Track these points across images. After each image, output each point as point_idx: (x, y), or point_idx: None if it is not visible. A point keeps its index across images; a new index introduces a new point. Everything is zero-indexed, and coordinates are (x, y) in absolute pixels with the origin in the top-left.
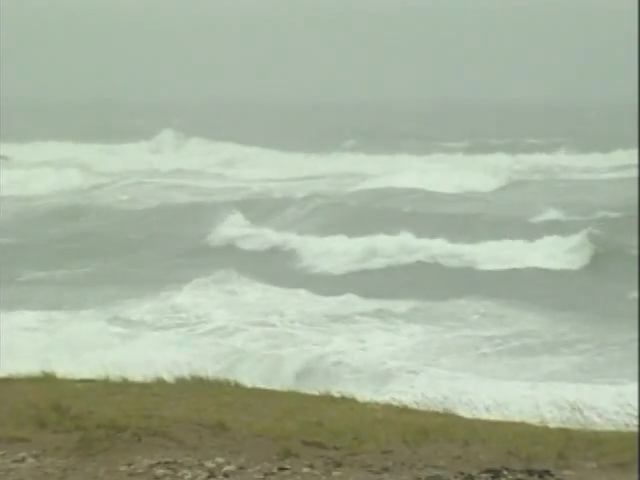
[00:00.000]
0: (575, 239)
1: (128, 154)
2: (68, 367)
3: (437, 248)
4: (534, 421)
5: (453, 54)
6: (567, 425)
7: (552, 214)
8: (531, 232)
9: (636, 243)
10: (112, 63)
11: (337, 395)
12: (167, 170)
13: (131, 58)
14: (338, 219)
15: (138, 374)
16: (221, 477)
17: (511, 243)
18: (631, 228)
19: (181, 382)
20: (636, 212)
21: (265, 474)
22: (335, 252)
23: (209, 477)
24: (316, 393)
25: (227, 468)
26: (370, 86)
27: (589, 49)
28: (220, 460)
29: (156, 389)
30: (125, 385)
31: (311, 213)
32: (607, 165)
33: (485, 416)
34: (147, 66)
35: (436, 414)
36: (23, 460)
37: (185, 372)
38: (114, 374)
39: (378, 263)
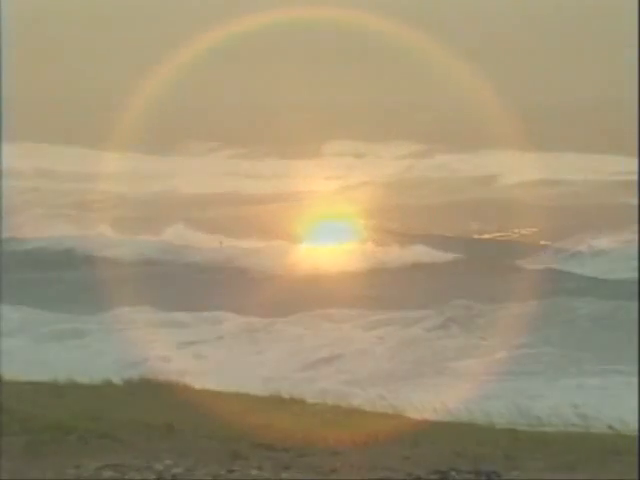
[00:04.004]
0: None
1: None
2: None
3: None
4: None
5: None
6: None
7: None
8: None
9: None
10: None
11: (286, 397)
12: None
13: None
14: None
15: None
16: (169, 479)
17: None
18: None
19: (129, 384)
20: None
21: (214, 476)
22: None
23: None
24: (266, 395)
25: (175, 470)
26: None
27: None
28: (168, 462)
29: (104, 391)
30: (73, 387)
31: None
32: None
33: (433, 417)
34: None
35: (385, 415)
36: None
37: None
38: (62, 376)
39: None
